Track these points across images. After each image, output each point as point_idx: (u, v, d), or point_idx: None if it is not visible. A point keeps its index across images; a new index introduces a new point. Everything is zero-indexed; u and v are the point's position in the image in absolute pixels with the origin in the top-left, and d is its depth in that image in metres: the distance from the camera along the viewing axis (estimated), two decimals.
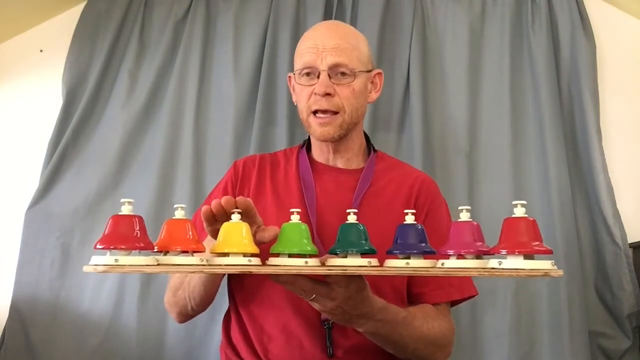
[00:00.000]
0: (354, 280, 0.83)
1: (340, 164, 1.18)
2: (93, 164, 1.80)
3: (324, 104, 1.09)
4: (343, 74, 1.10)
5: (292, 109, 1.78)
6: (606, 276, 1.70)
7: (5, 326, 1.70)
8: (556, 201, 1.69)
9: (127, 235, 0.72)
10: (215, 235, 0.87)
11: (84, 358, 1.68)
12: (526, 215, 0.74)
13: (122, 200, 0.75)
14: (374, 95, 1.20)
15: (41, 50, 1.96)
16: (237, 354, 1.09)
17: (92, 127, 1.84)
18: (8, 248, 1.78)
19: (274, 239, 0.86)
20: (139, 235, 0.72)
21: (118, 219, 0.73)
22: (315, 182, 1.13)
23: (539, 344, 1.65)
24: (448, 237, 1.13)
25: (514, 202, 0.74)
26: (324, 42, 1.10)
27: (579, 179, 1.78)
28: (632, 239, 1.71)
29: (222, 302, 1.17)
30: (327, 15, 1.84)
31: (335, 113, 1.10)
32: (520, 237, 0.72)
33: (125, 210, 0.74)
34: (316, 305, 0.88)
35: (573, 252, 1.68)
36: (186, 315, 1.11)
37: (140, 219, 0.74)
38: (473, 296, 1.14)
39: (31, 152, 1.86)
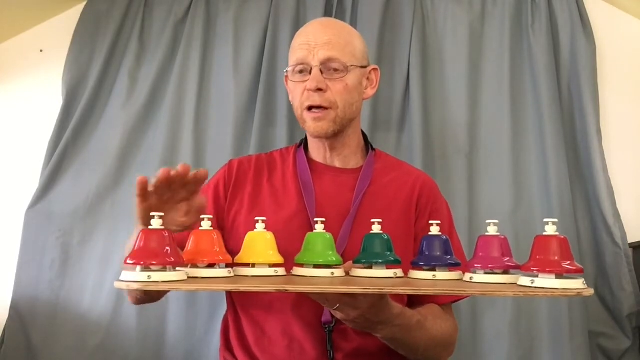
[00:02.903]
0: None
1: (337, 162, 1.17)
2: (93, 164, 1.80)
3: (316, 99, 1.08)
4: (335, 69, 1.09)
5: (292, 109, 1.78)
6: (606, 276, 1.70)
7: (5, 326, 1.70)
8: (556, 201, 1.69)
9: (157, 250, 0.70)
10: (145, 215, 0.81)
11: (84, 358, 1.68)
12: (557, 234, 0.74)
13: (151, 214, 0.74)
14: (370, 92, 1.19)
15: (41, 50, 1.96)
16: (236, 358, 1.09)
17: (92, 127, 1.84)
18: (8, 248, 1.78)
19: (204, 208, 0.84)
20: (169, 251, 0.71)
21: (149, 233, 0.72)
22: (313, 182, 1.12)
23: (538, 344, 1.65)
24: (451, 237, 1.13)
25: (546, 220, 0.75)
26: (316, 38, 1.10)
27: (579, 179, 1.78)
28: (632, 239, 1.70)
29: (222, 301, 1.17)
30: (327, 15, 1.83)
31: (328, 109, 1.09)
32: (552, 256, 0.72)
33: (155, 224, 0.73)
34: (339, 314, 0.87)
35: (573, 252, 1.67)
36: (140, 300, 1.08)
37: (170, 233, 0.73)
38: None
39: (31, 152, 1.86)
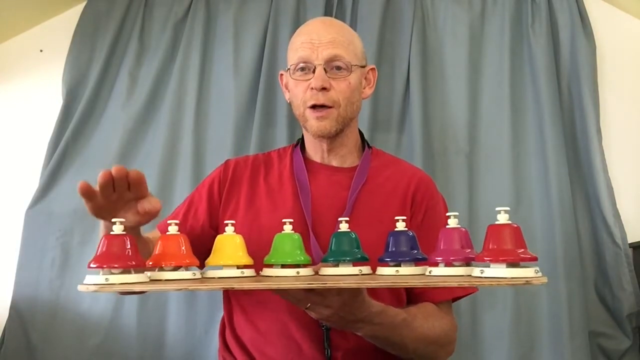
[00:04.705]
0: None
1: (334, 161, 1.16)
2: (93, 164, 1.80)
3: (320, 98, 1.08)
4: (339, 67, 1.09)
5: (291, 107, 1.78)
6: (606, 276, 1.70)
7: (5, 326, 1.70)
8: (556, 201, 1.69)
9: (119, 254, 0.74)
10: (95, 213, 0.85)
11: (84, 358, 1.68)
12: (510, 222, 0.73)
13: (113, 220, 0.78)
14: (367, 91, 1.19)
15: (41, 50, 1.96)
16: (235, 358, 1.09)
17: (92, 127, 1.84)
18: (8, 248, 1.78)
19: (155, 211, 0.85)
20: (130, 253, 0.75)
21: (110, 238, 0.76)
22: (310, 181, 1.12)
23: (538, 343, 1.65)
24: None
25: (497, 209, 0.73)
26: (320, 36, 1.09)
27: (579, 179, 1.78)
28: (632, 239, 1.70)
29: (221, 302, 1.17)
30: (327, 15, 1.84)
31: (331, 107, 1.09)
32: (504, 245, 0.71)
33: (117, 229, 0.76)
34: (313, 314, 0.87)
35: (573, 252, 1.68)
36: (122, 293, 1.08)
37: (132, 237, 0.77)
38: (473, 292, 1.14)
39: (31, 152, 1.86)
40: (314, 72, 1.08)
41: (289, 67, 1.14)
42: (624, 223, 1.71)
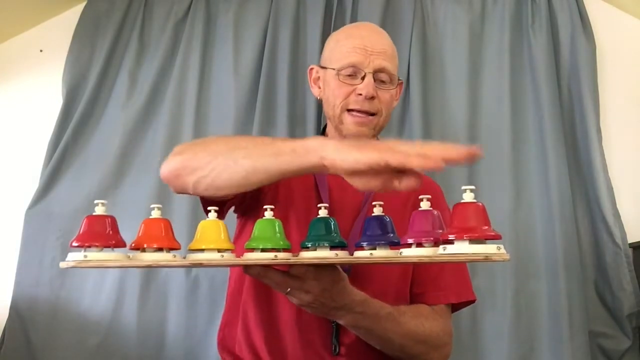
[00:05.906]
0: (325, 272, 0.84)
1: None
2: (93, 164, 1.80)
3: (365, 105, 1.10)
4: (383, 81, 1.12)
5: (292, 108, 1.78)
6: (606, 276, 1.70)
7: (5, 326, 1.70)
8: (556, 201, 1.69)
9: (100, 233, 0.77)
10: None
11: (84, 358, 1.68)
12: (475, 201, 0.74)
13: (95, 201, 0.80)
14: (394, 104, 1.22)
15: (41, 50, 1.96)
16: (237, 356, 1.08)
17: (92, 127, 1.84)
18: (8, 248, 1.78)
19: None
20: (111, 233, 0.78)
21: (92, 218, 0.79)
22: (329, 180, 1.13)
23: (539, 344, 1.65)
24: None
25: (463, 187, 0.75)
26: (373, 44, 1.11)
27: (579, 179, 1.78)
28: (632, 239, 1.70)
29: (222, 300, 1.16)
30: (327, 16, 1.84)
31: (373, 115, 1.11)
32: (468, 223, 0.72)
33: (99, 210, 0.79)
34: (293, 300, 0.88)
35: (573, 252, 1.68)
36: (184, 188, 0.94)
37: (113, 218, 0.80)
38: (472, 302, 1.14)
39: (31, 152, 1.86)
40: (362, 78, 1.10)
41: (335, 67, 1.13)
42: (624, 223, 1.71)
